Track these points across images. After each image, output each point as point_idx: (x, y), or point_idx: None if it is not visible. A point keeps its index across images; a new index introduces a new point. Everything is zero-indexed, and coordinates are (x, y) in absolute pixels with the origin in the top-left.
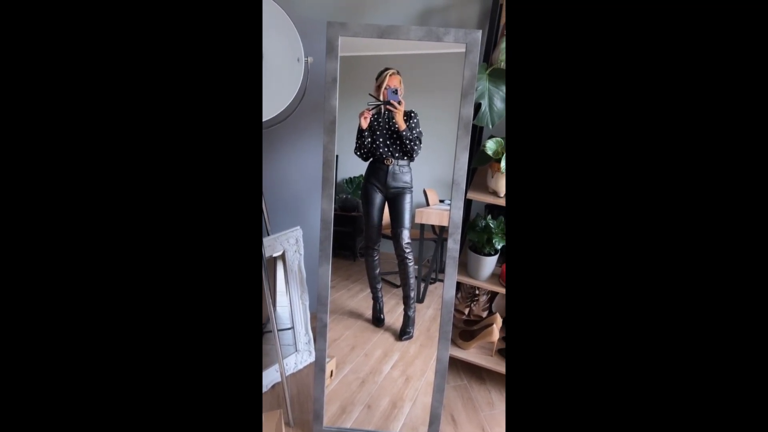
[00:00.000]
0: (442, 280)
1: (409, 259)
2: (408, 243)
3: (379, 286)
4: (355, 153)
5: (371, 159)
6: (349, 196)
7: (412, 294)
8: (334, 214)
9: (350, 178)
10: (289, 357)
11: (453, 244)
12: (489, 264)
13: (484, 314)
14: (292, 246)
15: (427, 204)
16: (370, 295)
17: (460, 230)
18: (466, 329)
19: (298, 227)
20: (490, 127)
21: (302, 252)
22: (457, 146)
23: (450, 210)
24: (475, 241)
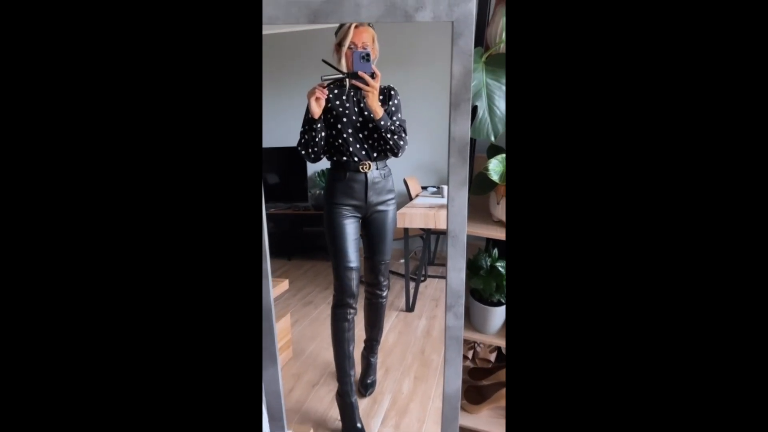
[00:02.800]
0: (433, 276)
1: (384, 297)
2: (387, 279)
3: (351, 362)
4: (299, 151)
5: (334, 165)
6: (322, 192)
7: (380, 337)
8: (308, 214)
9: (322, 170)
10: None
11: (454, 320)
12: (498, 315)
13: (492, 357)
14: None
15: (409, 196)
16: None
17: (462, 300)
18: (472, 384)
19: None
20: (492, 139)
21: None
22: (450, 181)
23: (447, 274)
24: (479, 288)
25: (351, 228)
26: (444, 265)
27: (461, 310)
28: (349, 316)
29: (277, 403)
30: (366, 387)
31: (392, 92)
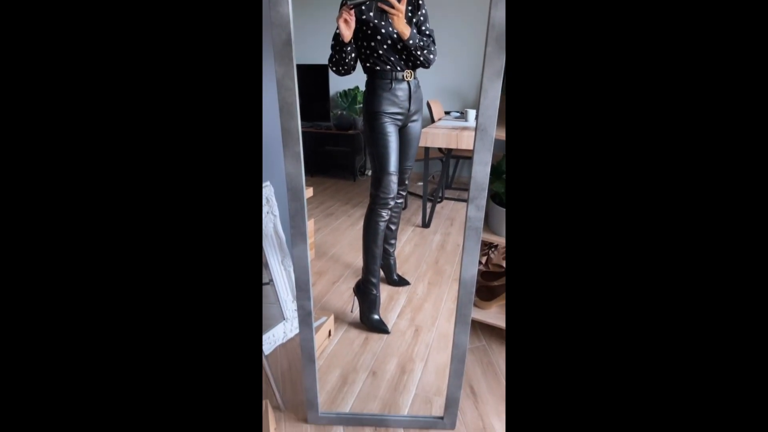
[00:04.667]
0: (449, 198)
1: (403, 197)
2: (407, 182)
3: (379, 260)
4: (331, 68)
5: (377, 74)
6: (345, 113)
7: (396, 237)
8: (330, 133)
9: (344, 91)
10: (277, 327)
11: (475, 212)
12: None
13: (505, 263)
14: (262, 207)
15: (432, 119)
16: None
17: (485, 194)
18: (484, 285)
19: (268, 182)
20: None
21: (277, 212)
22: (485, 71)
23: (472, 167)
24: (500, 192)
25: (394, 136)
26: (461, 189)
27: (483, 203)
28: (386, 216)
29: (305, 276)
30: (396, 282)
31: (420, 2)
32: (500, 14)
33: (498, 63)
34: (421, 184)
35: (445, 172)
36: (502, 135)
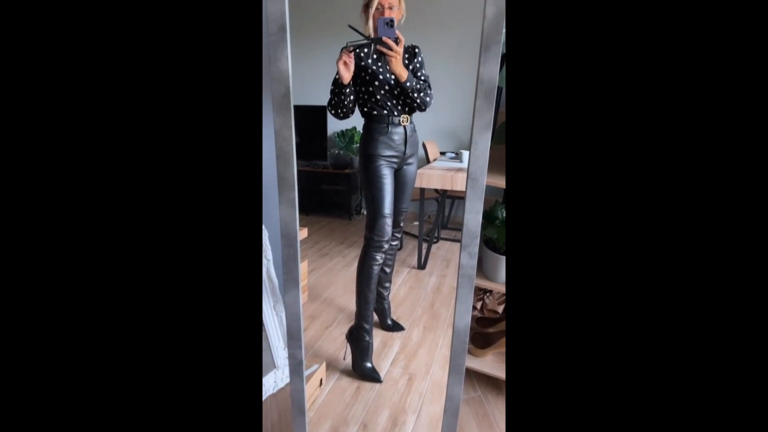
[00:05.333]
0: (445, 239)
1: (398, 239)
2: (402, 224)
3: (373, 305)
4: (330, 111)
5: (374, 118)
6: (342, 152)
7: (391, 280)
8: (327, 173)
9: (342, 131)
10: (268, 376)
11: (468, 259)
12: None
13: (501, 308)
14: None
15: (427, 160)
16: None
17: (477, 241)
18: (479, 331)
19: (262, 227)
20: None
21: (270, 257)
22: (474, 124)
23: (464, 215)
24: (493, 238)
25: (389, 179)
26: (457, 229)
27: (475, 250)
28: (380, 260)
29: (296, 323)
30: (390, 327)
31: (416, 50)
32: (489, 71)
33: (487, 116)
34: (416, 223)
35: (440, 212)
36: (494, 182)
